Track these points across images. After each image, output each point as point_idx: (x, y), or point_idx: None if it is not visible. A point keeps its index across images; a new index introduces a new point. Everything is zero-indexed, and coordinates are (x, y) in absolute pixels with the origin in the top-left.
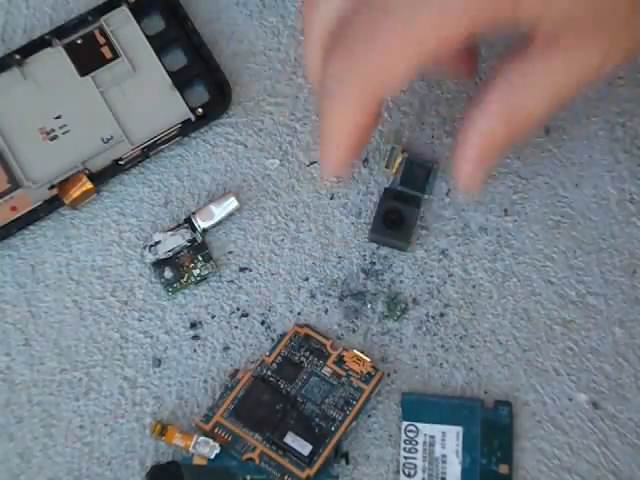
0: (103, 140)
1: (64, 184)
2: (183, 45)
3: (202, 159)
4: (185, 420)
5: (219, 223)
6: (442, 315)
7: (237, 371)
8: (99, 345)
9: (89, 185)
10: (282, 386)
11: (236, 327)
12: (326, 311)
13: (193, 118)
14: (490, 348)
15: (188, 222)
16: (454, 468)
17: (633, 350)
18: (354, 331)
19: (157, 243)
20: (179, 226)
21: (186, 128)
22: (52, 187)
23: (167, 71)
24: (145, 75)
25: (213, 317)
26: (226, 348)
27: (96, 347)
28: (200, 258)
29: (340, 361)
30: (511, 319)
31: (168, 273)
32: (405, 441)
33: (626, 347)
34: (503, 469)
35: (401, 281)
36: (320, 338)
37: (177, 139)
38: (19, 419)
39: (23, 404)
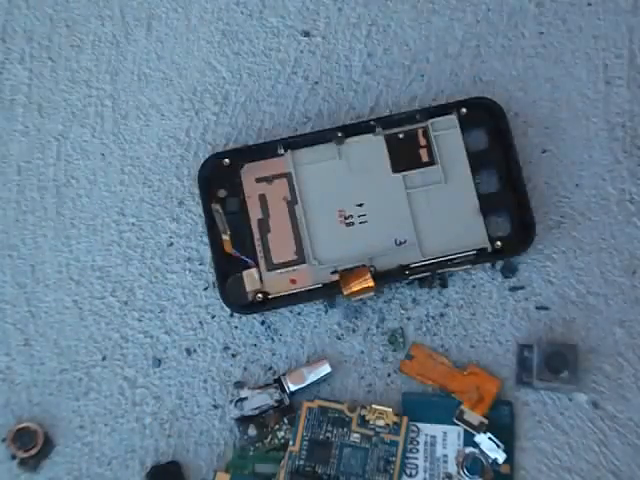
0: (396, 242)
1: (347, 274)
2: (500, 171)
3: None
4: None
5: (308, 387)
6: (442, 315)
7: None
8: (99, 345)
9: (371, 283)
10: (320, 471)
11: (236, 327)
12: (326, 311)
13: (490, 249)
14: (490, 348)
15: (278, 382)
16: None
17: (633, 350)
18: (354, 331)
19: (244, 399)
20: (268, 385)
21: (480, 257)
22: (334, 272)
23: (477, 192)
24: (455, 189)
25: (213, 317)
26: (226, 348)
27: (96, 347)
28: (286, 421)
29: (363, 422)
30: (511, 319)
31: (252, 431)
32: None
33: (626, 347)
34: (503, 469)
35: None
36: (335, 405)
37: (467, 266)
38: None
39: (23, 404)
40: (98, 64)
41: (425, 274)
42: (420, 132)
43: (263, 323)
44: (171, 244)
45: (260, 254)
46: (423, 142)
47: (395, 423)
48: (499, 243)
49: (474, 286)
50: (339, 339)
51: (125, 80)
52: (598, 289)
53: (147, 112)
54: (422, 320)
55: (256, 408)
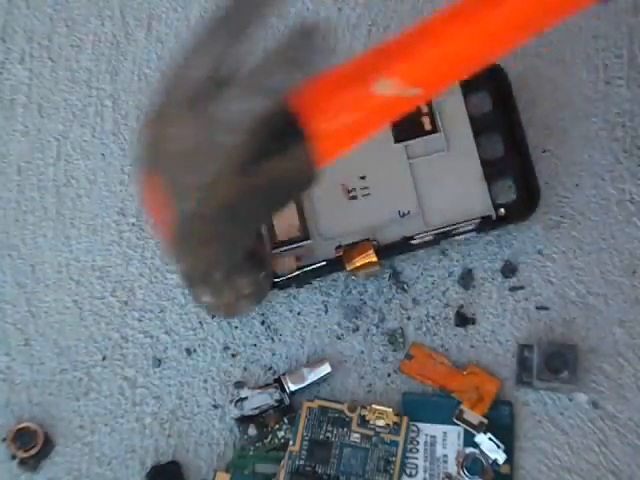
0: (400, 213)
1: (350, 249)
2: (503, 135)
3: None
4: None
5: (308, 387)
6: (442, 315)
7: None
8: (99, 345)
9: (374, 258)
10: (320, 471)
11: (236, 327)
12: (326, 311)
13: (494, 216)
14: (490, 348)
15: (278, 382)
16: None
17: (633, 350)
18: (354, 331)
19: (244, 399)
20: (268, 385)
21: (484, 225)
22: (339, 247)
23: (480, 159)
24: (458, 157)
25: (213, 317)
26: (226, 348)
27: (96, 347)
28: (286, 421)
29: (363, 422)
30: (511, 319)
31: (252, 431)
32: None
33: (626, 347)
34: (503, 469)
35: (402, 282)
36: (335, 405)
37: (471, 234)
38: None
39: (23, 404)
40: (98, 64)
41: (431, 243)
42: None
43: (263, 323)
44: None
45: (264, 232)
46: (425, 110)
47: (395, 423)
48: (503, 210)
49: (474, 286)
50: (339, 339)
51: (125, 80)
52: (598, 289)
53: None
54: (422, 320)
55: (256, 408)
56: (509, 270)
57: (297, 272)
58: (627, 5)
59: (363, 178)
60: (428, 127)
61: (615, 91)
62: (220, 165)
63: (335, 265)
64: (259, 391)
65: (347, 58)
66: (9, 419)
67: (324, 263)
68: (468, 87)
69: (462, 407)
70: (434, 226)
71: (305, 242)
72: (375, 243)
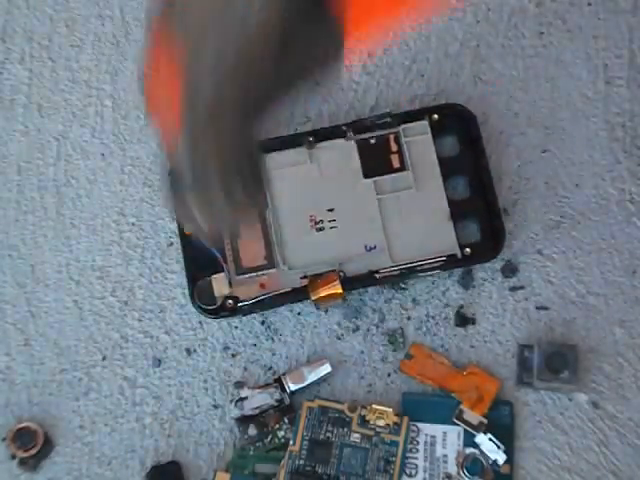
0: (366, 247)
1: (315, 279)
2: (471, 177)
3: None
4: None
5: (308, 387)
6: (442, 315)
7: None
8: (99, 345)
9: (339, 289)
10: (320, 471)
11: (236, 327)
12: (326, 310)
13: (459, 255)
14: (490, 348)
15: (278, 382)
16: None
17: (633, 350)
18: (354, 331)
19: (244, 399)
20: (268, 385)
21: (449, 263)
22: (304, 277)
23: (448, 198)
24: (425, 195)
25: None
26: (226, 348)
27: (96, 347)
28: (286, 420)
29: (363, 422)
30: (511, 319)
31: (252, 431)
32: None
33: (626, 347)
34: (503, 469)
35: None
36: (335, 405)
37: (436, 272)
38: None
39: (23, 404)
40: (98, 64)
41: (396, 279)
42: (392, 138)
43: (263, 323)
44: (171, 244)
45: (230, 258)
46: (395, 148)
47: (395, 423)
48: (468, 250)
49: (474, 286)
50: (339, 339)
51: (125, 80)
52: (598, 289)
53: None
54: (422, 320)
55: (256, 408)
56: (509, 270)
57: (260, 298)
58: (627, 5)
59: (331, 210)
60: (397, 165)
61: (615, 91)
62: (249, 28)
63: (300, 294)
64: (259, 391)
65: (347, 58)
66: (9, 419)
67: (289, 290)
68: (438, 129)
69: (462, 407)
70: (400, 262)
71: (270, 270)
72: (341, 274)
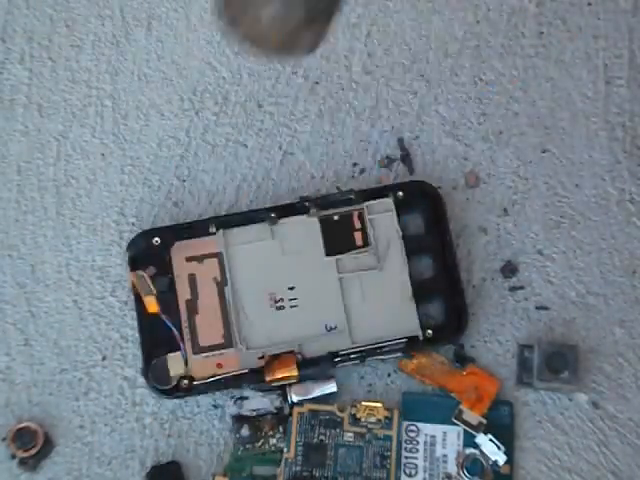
0: (327, 328)
1: (272, 360)
2: (435, 258)
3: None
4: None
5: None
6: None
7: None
8: (99, 345)
9: (295, 372)
10: (317, 475)
11: None
12: None
13: (421, 337)
14: (490, 348)
15: (282, 389)
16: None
17: (633, 350)
18: None
19: (244, 398)
20: (271, 390)
21: (410, 346)
22: (261, 357)
23: (411, 278)
24: (388, 275)
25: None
26: None
27: (96, 347)
28: (281, 429)
29: (355, 420)
30: (511, 319)
31: (245, 431)
32: (406, 441)
33: (626, 347)
34: (503, 469)
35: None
36: (325, 407)
37: (398, 354)
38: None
39: (23, 404)
40: (98, 64)
41: (355, 361)
42: (355, 215)
43: None
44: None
45: (187, 336)
46: (358, 225)
47: (386, 417)
48: (430, 332)
49: (474, 286)
50: None
51: (125, 80)
52: (598, 289)
53: (147, 112)
54: None
55: (254, 410)
56: (509, 270)
57: (217, 378)
58: (627, 5)
59: (292, 289)
60: (360, 242)
61: (615, 91)
62: None
63: (256, 374)
64: (261, 394)
65: (347, 58)
66: (9, 419)
67: (245, 371)
68: (402, 207)
69: (461, 407)
70: (360, 343)
71: (228, 349)
72: (299, 356)
